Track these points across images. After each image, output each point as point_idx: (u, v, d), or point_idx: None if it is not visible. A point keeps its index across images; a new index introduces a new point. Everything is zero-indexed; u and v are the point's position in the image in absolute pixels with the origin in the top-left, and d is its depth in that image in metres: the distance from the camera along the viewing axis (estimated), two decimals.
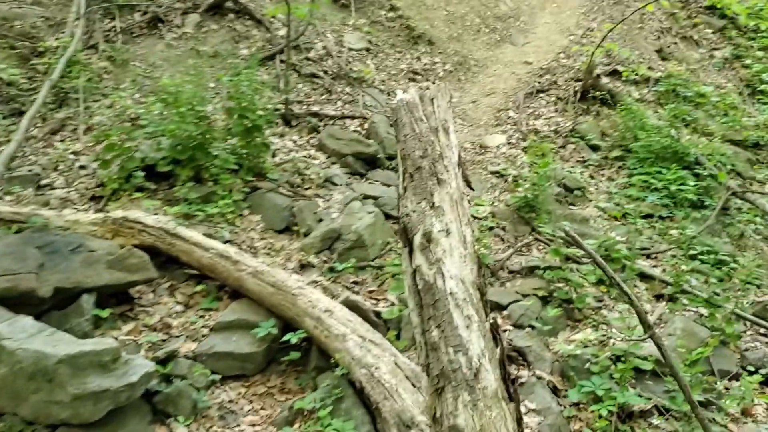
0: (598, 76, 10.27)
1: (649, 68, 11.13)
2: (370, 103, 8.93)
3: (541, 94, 9.87)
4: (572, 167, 8.47)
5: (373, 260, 5.86)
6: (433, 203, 3.01)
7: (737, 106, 10.90)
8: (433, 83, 9.96)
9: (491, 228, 6.66)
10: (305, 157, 7.39)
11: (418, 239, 2.88)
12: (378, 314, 4.79)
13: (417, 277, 2.77)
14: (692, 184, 7.93)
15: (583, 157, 8.72)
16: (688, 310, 5.73)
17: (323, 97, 8.86)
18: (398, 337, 4.66)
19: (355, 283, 5.50)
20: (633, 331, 4.82)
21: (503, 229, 6.70)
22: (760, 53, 12.81)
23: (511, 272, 5.98)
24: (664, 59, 11.80)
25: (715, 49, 13.03)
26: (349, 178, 7.22)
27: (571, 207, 7.41)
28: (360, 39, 10.19)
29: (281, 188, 6.50)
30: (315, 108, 8.46)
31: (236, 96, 6.47)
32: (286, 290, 4.47)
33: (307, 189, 6.73)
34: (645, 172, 8.38)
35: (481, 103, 9.69)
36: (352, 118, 8.46)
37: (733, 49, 12.94)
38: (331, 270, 5.55)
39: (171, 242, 4.96)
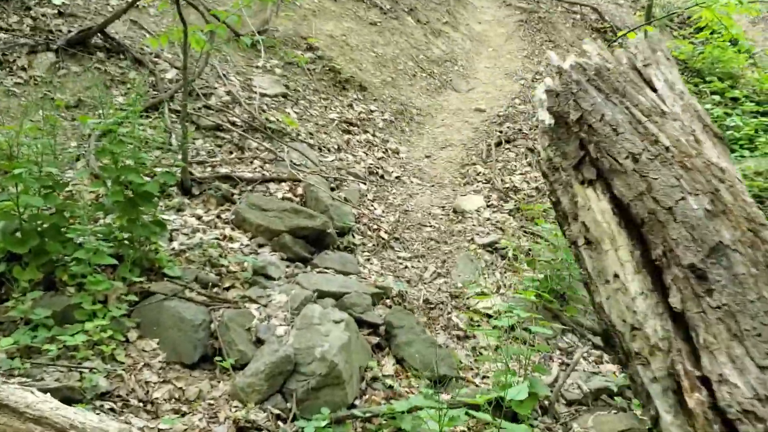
0: None
1: None
2: (299, 161, 6.85)
3: (508, 145, 8.18)
4: None
5: (353, 404, 3.67)
6: None
7: None
8: (371, 138, 8.05)
9: (511, 329, 4.64)
10: (218, 239, 5.15)
11: None
12: None
13: None
14: None
15: None
16: None
17: (233, 155, 6.69)
18: None
19: None
20: None
21: (527, 330, 4.69)
22: (716, 97, 11.93)
23: (569, 402, 3.94)
24: None
25: None
26: (289, 266, 5.03)
27: None
28: (274, 83, 8.17)
29: (188, 291, 4.21)
30: (224, 170, 6.27)
31: (111, 150, 4.20)
32: None
33: (228, 289, 4.48)
34: None
35: (437, 157, 7.85)
36: (279, 181, 6.32)
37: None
38: None
39: None
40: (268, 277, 4.74)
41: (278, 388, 3.61)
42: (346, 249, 5.62)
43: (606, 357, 4.56)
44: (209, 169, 6.33)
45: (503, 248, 5.85)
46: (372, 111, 8.57)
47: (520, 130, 8.49)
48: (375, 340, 4.33)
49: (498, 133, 8.44)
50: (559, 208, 2.78)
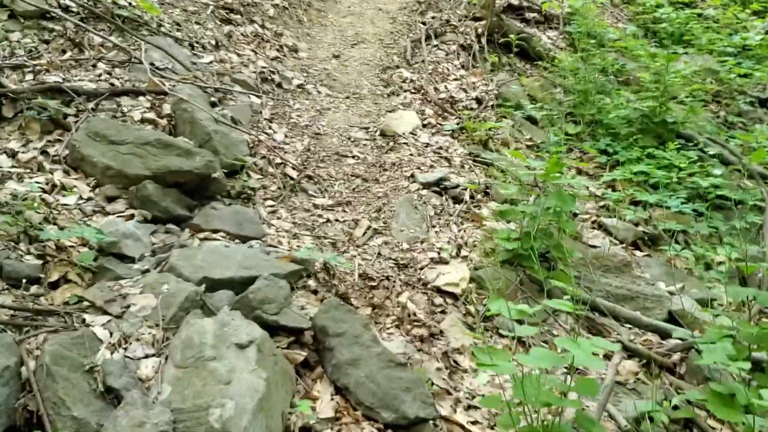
0: (500, 13, 7.31)
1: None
2: (163, 63, 5.02)
3: (435, 41, 6.62)
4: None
5: None
6: None
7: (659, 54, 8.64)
8: (261, 30, 6.22)
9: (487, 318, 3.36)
10: (43, 190, 3.43)
11: None
12: None
13: None
14: (717, 173, 5.27)
15: (531, 140, 5.67)
16: None
17: (67, 56, 4.78)
18: None
19: None
20: None
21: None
22: None
23: None
24: None
25: None
26: (157, 233, 3.40)
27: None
28: None
29: None
30: (53, 78, 4.39)
31: None
32: None
33: (56, 286, 2.82)
34: (631, 158, 5.58)
35: (349, 57, 6.20)
36: (135, 94, 4.52)
37: None
38: None
39: None
40: (124, 259, 3.09)
41: None
42: (240, 197, 4.01)
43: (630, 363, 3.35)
44: (30, 77, 4.41)
45: (454, 187, 4.44)
46: None
47: (447, 21, 6.94)
48: (300, 356, 2.86)
49: (421, 25, 6.84)
50: None
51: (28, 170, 3.63)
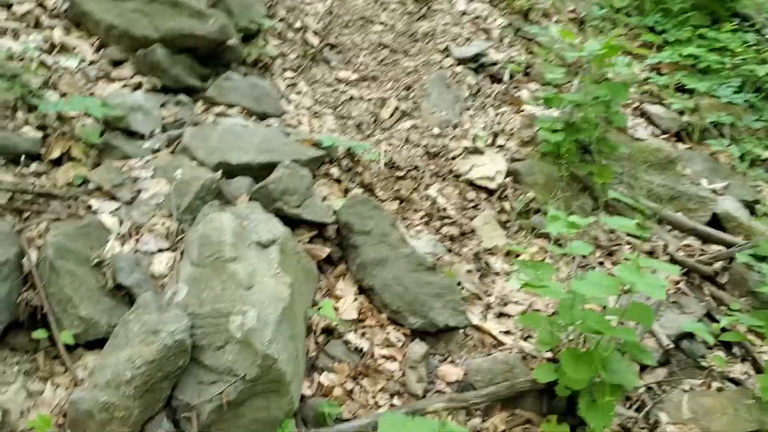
0: None
1: None
2: None
3: None
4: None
5: (299, 408, 2.13)
6: None
7: None
8: None
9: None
10: (40, 49, 3.10)
11: None
12: None
13: None
14: None
15: (574, 11, 5.18)
16: None
17: None
18: None
19: None
20: None
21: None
22: None
23: (642, 365, 2.57)
24: None
25: None
26: (167, 105, 3.10)
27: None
28: None
29: None
30: None
31: None
32: None
33: (58, 164, 2.58)
34: (681, 38, 5.11)
35: None
36: None
37: None
38: None
39: None
40: (132, 135, 2.80)
41: (163, 404, 1.96)
42: (256, 66, 3.65)
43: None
44: None
45: (492, 64, 4.06)
46: None
47: None
48: (323, 252, 2.66)
49: None
50: None
51: (24, 24, 3.26)
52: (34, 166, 2.50)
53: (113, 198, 2.44)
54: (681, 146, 4.36)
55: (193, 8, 3.33)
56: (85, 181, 2.49)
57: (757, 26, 5.42)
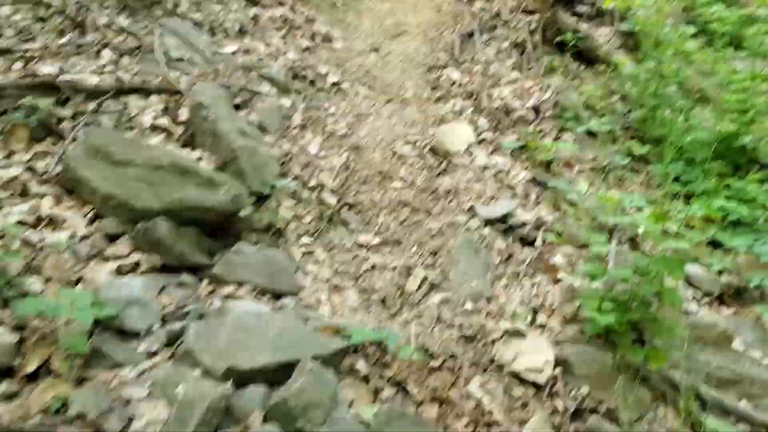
0: (553, 6, 6.52)
1: None
2: (179, 53, 4.27)
3: (485, 36, 5.85)
4: (586, 182, 4.66)
5: None
6: None
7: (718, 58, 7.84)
8: (290, 14, 5.44)
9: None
10: (24, 222, 2.73)
11: None
12: None
13: None
14: None
15: (594, 160, 4.94)
16: None
17: (66, 39, 4.03)
18: None
19: None
20: None
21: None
22: None
23: None
24: None
25: None
26: (168, 288, 2.69)
27: None
28: None
29: None
30: (46, 69, 3.67)
31: None
32: None
33: (35, 379, 2.10)
34: (707, 190, 4.86)
35: (390, 52, 5.44)
36: (146, 93, 3.78)
37: None
38: None
39: None
40: (124, 335, 2.37)
41: None
42: (269, 231, 3.28)
43: None
44: (19, 65, 3.69)
45: (521, 225, 3.73)
46: None
47: (498, 14, 6.15)
48: None
49: (469, 17, 6.06)
50: None
51: (9, 193, 2.91)
52: (4, 386, 2.05)
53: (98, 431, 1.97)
54: (725, 311, 3.98)
55: (203, 177, 2.99)
56: (64, 405, 2.03)
57: None
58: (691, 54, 6.82)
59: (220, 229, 3.03)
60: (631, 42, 7.48)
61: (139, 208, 2.87)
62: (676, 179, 5.10)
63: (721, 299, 4.07)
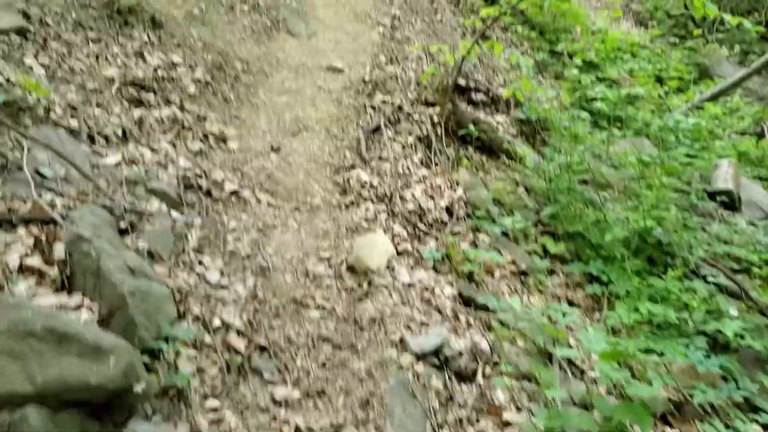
0: (453, 98, 6.41)
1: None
2: (52, 170, 3.68)
3: (390, 132, 5.59)
4: (502, 287, 4.42)
5: None
6: None
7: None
8: (179, 114, 4.95)
9: None
10: None
11: None
12: None
13: None
14: (734, 313, 4.50)
15: (514, 263, 4.71)
16: None
17: None
18: None
19: None
20: None
21: None
22: (577, 60, 10.20)
23: None
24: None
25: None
26: None
27: None
28: (3, 9, 4.67)
29: None
30: None
31: None
32: None
33: None
34: (630, 290, 4.73)
35: (292, 151, 5.05)
36: (12, 224, 3.17)
37: (548, 56, 10.19)
38: None
39: None
40: None
41: None
42: (166, 395, 2.72)
43: None
44: None
45: (456, 356, 3.35)
46: (175, 64, 5.39)
47: (399, 107, 5.92)
48: None
49: (371, 110, 5.79)
50: None
51: None
52: None
53: None
54: (669, 430, 3.75)
55: (86, 344, 2.41)
56: None
57: (690, 265, 5.16)
58: (585, 138, 6.86)
59: (109, 406, 2.45)
60: (527, 129, 7.53)
61: (2, 393, 2.25)
62: (596, 279, 4.95)
63: (664, 419, 3.84)
